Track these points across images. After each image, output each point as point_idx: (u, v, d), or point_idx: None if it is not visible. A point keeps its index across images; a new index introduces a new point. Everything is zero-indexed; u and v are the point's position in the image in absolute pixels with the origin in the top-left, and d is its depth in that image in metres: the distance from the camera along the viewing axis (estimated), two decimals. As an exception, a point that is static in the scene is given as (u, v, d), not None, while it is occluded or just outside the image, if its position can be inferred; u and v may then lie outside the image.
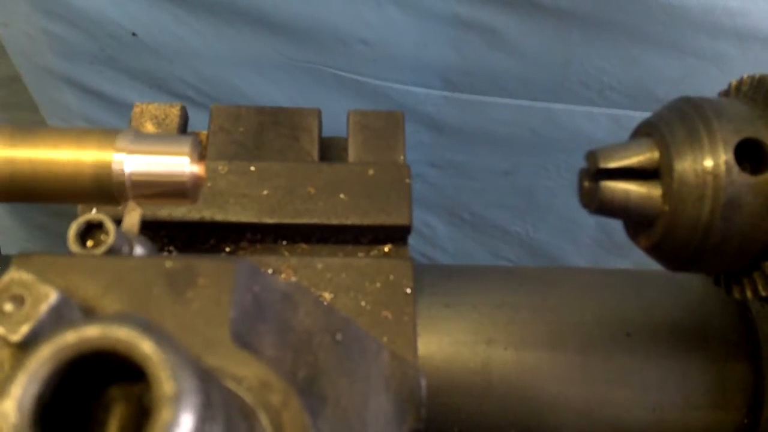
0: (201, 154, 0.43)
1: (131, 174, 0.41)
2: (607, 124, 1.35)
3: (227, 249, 0.57)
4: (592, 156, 0.46)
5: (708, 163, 0.43)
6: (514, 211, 1.61)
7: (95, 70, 1.32)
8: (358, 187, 0.58)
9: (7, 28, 1.24)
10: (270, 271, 0.53)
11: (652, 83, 1.26)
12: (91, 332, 0.22)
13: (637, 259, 1.66)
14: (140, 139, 0.42)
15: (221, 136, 0.68)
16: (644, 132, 0.48)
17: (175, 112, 0.68)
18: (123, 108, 1.39)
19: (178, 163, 0.42)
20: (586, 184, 0.47)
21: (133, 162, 0.41)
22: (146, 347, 0.22)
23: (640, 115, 1.39)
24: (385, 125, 0.70)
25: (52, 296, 0.29)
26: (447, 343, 0.62)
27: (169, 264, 0.33)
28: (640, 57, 1.22)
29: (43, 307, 0.29)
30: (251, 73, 1.33)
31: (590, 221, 1.59)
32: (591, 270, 0.71)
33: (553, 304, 0.64)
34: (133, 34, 1.26)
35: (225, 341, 0.31)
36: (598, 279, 0.68)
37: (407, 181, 0.58)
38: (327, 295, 0.52)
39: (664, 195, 0.45)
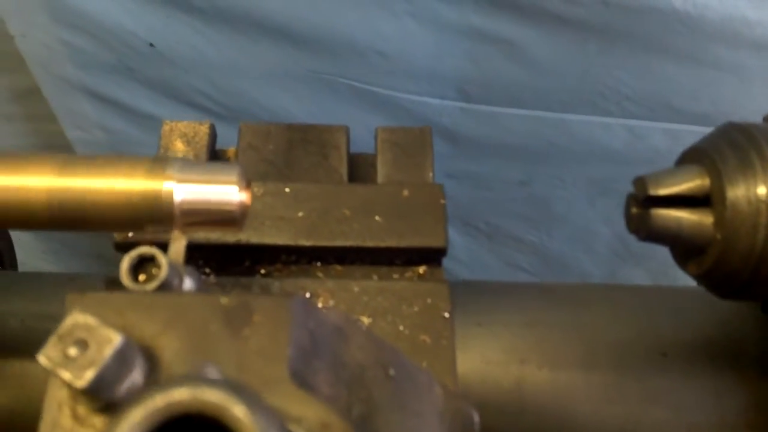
0: (248, 181, 0.43)
1: (181, 202, 0.41)
2: (623, 135, 1.35)
3: (262, 271, 0.57)
4: (640, 182, 0.46)
5: (761, 190, 0.43)
6: (530, 221, 1.61)
7: (113, 81, 1.32)
8: (393, 208, 0.58)
9: (26, 39, 1.24)
10: (307, 294, 0.53)
11: (670, 94, 1.26)
12: (181, 395, 0.21)
13: (652, 268, 1.66)
14: (189, 167, 0.42)
15: (250, 153, 0.68)
16: (692, 158, 0.47)
17: (204, 129, 0.68)
18: (140, 118, 1.39)
19: (227, 192, 0.42)
20: (634, 210, 0.47)
21: (183, 190, 0.41)
22: (238, 411, 0.21)
23: (657, 126, 1.39)
24: (414, 142, 0.69)
25: (116, 340, 0.29)
26: (479, 362, 0.62)
27: (224, 301, 0.33)
28: (657, 67, 1.22)
29: (108, 351, 0.28)
30: (268, 84, 1.33)
31: (605, 230, 1.58)
32: (623, 287, 0.71)
33: (586, 322, 0.64)
34: (151, 45, 1.26)
35: (284, 380, 0.31)
36: (630, 296, 0.68)
37: (442, 202, 0.58)
38: (365, 320, 0.52)
39: (716, 223, 0.44)
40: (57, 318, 0.63)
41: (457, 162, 1.43)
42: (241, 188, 0.42)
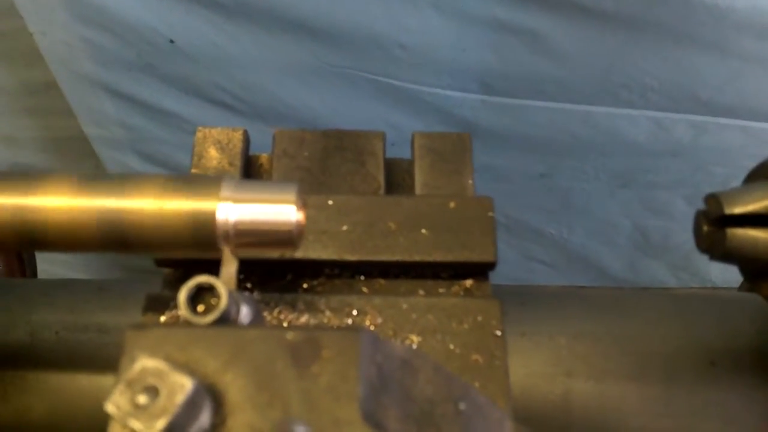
0: (304, 200, 0.42)
1: (236, 223, 0.40)
2: (647, 127, 1.33)
3: (304, 285, 0.55)
4: (713, 200, 0.44)
5: (842, 210, 0.41)
6: (550, 213, 1.60)
7: (132, 77, 1.30)
8: (440, 221, 0.56)
9: (46, 37, 1.23)
10: (354, 312, 0.51)
11: (696, 85, 1.24)
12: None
13: (672, 260, 1.65)
14: (244, 186, 0.41)
15: (285, 161, 0.66)
16: (765, 174, 0.45)
17: (237, 136, 0.67)
18: (160, 114, 1.37)
19: (284, 212, 0.40)
20: (706, 228, 0.45)
21: (238, 211, 0.40)
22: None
23: (682, 118, 1.38)
24: (452, 148, 0.68)
25: (188, 386, 0.27)
26: (524, 375, 0.60)
27: (290, 336, 0.32)
28: (683, 59, 1.20)
29: (179, 399, 0.27)
30: (288, 78, 1.31)
31: (626, 222, 1.57)
32: (668, 293, 0.69)
33: (633, 332, 0.62)
34: (171, 41, 1.24)
35: (356, 421, 0.30)
36: (675, 303, 0.66)
37: (490, 214, 0.56)
38: (414, 338, 0.50)
39: (795, 244, 0.43)
40: (91, 329, 0.63)
41: (477, 154, 1.41)
42: (298, 207, 0.41)
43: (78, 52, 1.25)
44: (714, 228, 0.45)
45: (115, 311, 0.63)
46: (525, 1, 1.15)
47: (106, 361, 0.60)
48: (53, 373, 0.61)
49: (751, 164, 1.43)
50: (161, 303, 0.51)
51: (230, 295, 0.36)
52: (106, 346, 0.61)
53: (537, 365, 0.61)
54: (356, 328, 0.32)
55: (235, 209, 0.40)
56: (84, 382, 0.61)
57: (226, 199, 0.40)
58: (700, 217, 0.47)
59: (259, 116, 1.35)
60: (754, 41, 1.15)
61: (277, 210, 0.40)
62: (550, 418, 0.59)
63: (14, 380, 0.60)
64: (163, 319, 0.49)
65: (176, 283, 0.55)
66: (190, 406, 0.28)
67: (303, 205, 0.42)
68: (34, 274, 1.26)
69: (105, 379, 0.60)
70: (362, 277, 0.56)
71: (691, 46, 1.17)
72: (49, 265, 1.69)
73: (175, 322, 0.48)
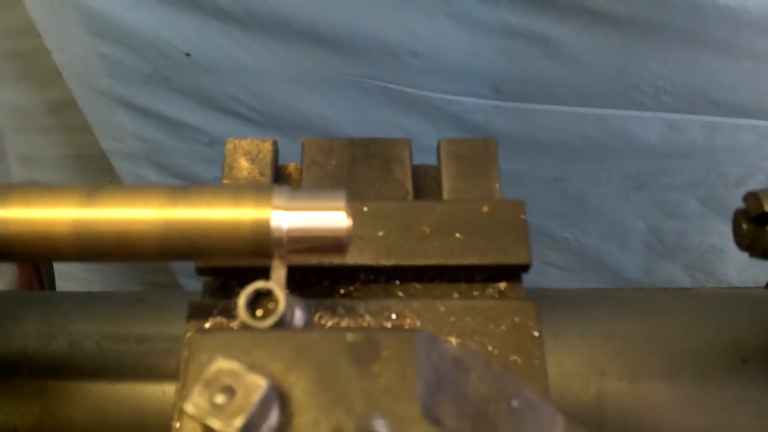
0: (352, 207, 0.43)
1: (289, 230, 0.41)
2: (660, 129, 1.34)
3: (341, 290, 0.56)
4: (753, 199, 0.45)
5: None
6: (564, 217, 1.60)
7: (149, 91, 1.32)
8: (474, 225, 0.57)
9: (64, 53, 1.24)
10: (393, 315, 0.52)
11: (708, 86, 1.25)
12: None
13: (687, 262, 1.64)
14: (296, 195, 0.42)
15: (314, 170, 0.67)
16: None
17: (267, 146, 0.68)
18: (176, 127, 1.39)
19: (335, 218, 0.42)
20: (745, 227, 0.46)
21: (291, 218, 0.41)
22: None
23: (695, 119, 1.38)
24: (478, 153, 0.69)
25: (263, 386, 0.28)
26: (557, 375, 0.61)
27: (350, 337, 0.33)
28: (696, 60, 1.20)
29: (255, 398, 0.28)
30: (302, 88, 1.33)
31: (640, 225, 1.57)
32: (698, 292, 0.70)
33: (664, 332, 0.63)
34: (186, 54, 1.26)
35: (417, 419, 0.31)
36: (707, 303, 0.67)
37: (522, 217, 0.57)
38: (453, 340, 0.51)
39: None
40: (131, 339, 0.64)
41: (491, 160, 1.42)
42: (348, 214, 0.42)
43: (95, 68, 1.26)
44: (754, 226, 0.46)
45: (153, 321, 0.64)
46: (536, 7, 1.16)
47: (146, 370, 0.61)
48: (93, 383, 0.62)
49: (765, 164, 1.42)
50: (204, 310, 0.52)
51: (287, 300, 0.37)
52: (146, 355, 0.62)
53: (570, 366, 0.62)
54: (412, 329, 0.33)
55: (287, 217, 0.41)
56: (124, 391, 0.61)
57: (279, 207, 0.41)
58: (740, 216, 0.47)
59: (274, 126, 1.37)
60: (767, 41, 1.16)
61: (328, 217, 0.42)
62: (584, 418, 0.60)
63: (55, 390, 0.61)
64: (207, 325, 0.50)
65: (216, 291, 0.56)
66: (264, 405, 0.29)
67: (351, 212, 0.43)
68: (52, 285, 1.27)
69: (145, 388, 0.61)
70: (397, 282, 0.57)
71: (703, 48, 1.17)
72: (67, 281, 1.70)
73: (219, 328, 0.49)
